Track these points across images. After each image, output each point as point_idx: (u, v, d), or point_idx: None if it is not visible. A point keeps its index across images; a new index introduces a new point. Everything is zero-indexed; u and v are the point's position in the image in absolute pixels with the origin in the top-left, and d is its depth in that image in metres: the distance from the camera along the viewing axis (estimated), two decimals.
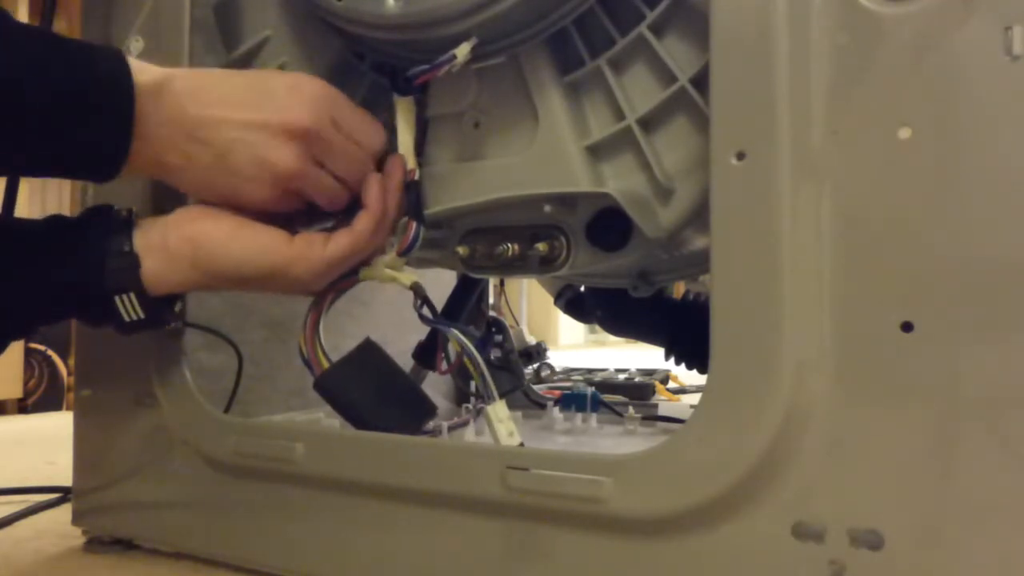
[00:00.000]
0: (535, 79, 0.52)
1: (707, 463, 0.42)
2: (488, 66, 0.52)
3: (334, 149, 0.51)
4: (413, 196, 0.54)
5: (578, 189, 0.50)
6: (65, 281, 0.50)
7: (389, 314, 0.55)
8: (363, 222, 0.52)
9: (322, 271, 0.52)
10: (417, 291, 0.54)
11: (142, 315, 0.51)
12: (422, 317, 0.55)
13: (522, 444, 0.52)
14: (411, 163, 0.54)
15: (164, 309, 0.53)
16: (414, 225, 0.54)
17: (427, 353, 0.76)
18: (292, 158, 0.49)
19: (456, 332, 0.54)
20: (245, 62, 0.62)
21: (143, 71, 0.47)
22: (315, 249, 0.51)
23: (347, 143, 0.52)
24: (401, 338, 0.59)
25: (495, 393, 0.52)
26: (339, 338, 0.57)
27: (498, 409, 0.52)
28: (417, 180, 0.54)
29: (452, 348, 0.55)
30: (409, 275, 0.54)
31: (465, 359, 0.54)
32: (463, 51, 0.49)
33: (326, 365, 0.56)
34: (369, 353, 0.56)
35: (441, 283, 0.84)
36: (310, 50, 0.59)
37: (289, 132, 0.49)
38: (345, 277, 0.55)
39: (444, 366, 0.57)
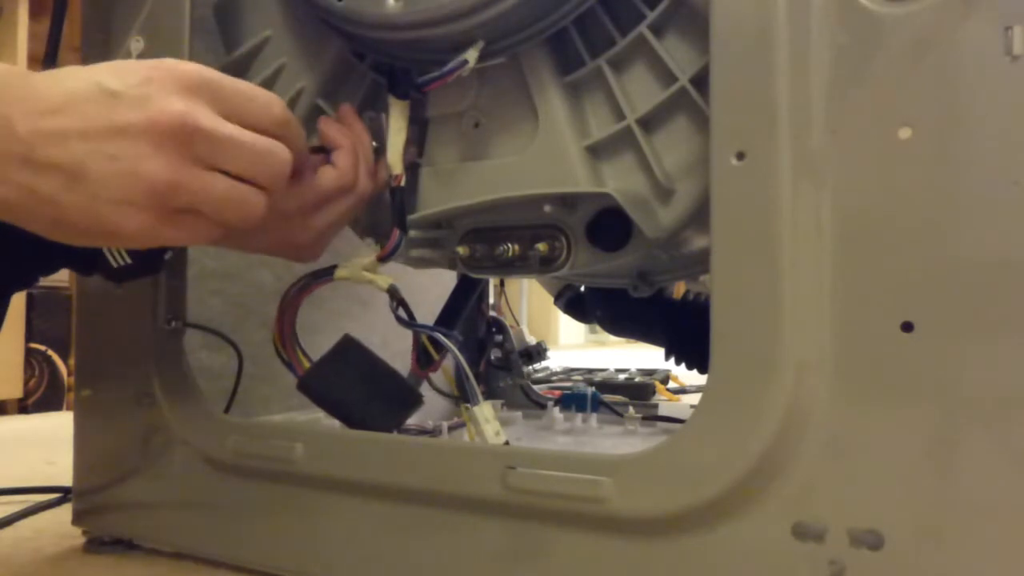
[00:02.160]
0: (535, 79, 0.52)
1: (707, 463, 0.42)
2: (488, 66, 0.52)
3: (223, 140, 0.40)
4: (398, 202, 0.54)
5: (578, 189, 0.50)
6: (38, 255, 0.50)
7: (389, 315, 0.55)
8: (341, 157, 0.50)
9: (311, 208, 0.49)
10: (393, 294, 0.54)
11: (129, 261, 0.50)
12: (399, 319, 0.55)
13: (507, 443, 0.53)
14: (397, 168, 0.53)
15: (153, 256, 0.52)
16: (397, 232, 0.53)
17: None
18: (166, 165, 0.38)
19: (439, 335, 0.55)
20: (245, 62, 0.62)
21: None
22: (304, 182, 0.48)
23: (239, 131, 0.41)
24: (401, 339, 0.59)
25: (478, 394, 0.54)
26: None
27: (484, 409, 0.53)
28: (402, 186, 0.54)
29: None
30: (386, 277, 0.55)
31: (443, 363, 0.55)
32: (473, 56, 0.49)
33: (307, 365, 0.56)
34: (349, 349, 0.56)
35: (441, 283, 0.84)
36: (310, 50, 0.59)
37: (156, 132, 0.38)
38: (320, 277, 0.55)
39: (432, 367, 0.58)
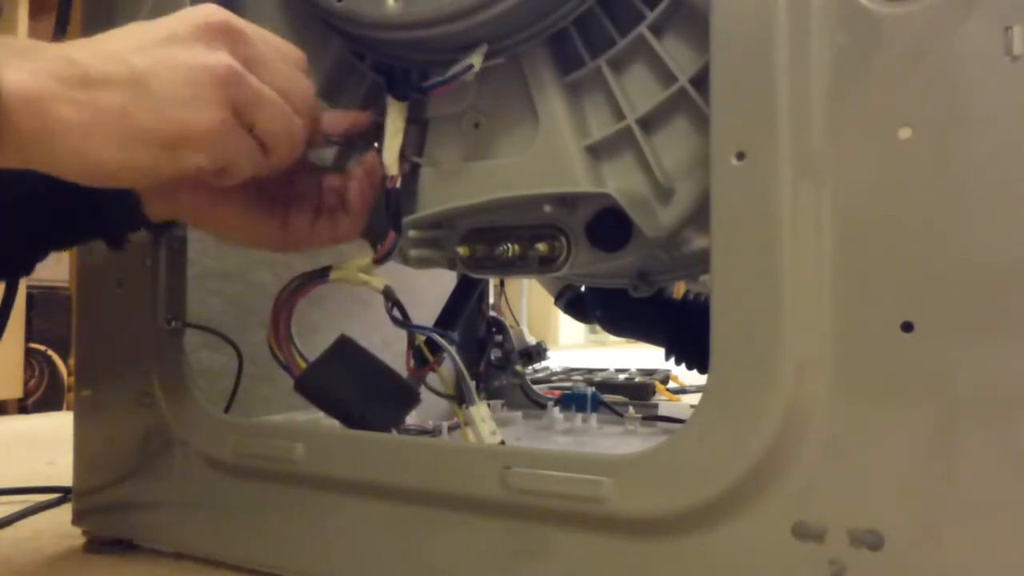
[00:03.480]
0: (535, 79, 0.52)
1: (707, 463, 0.42)
2: (488, 67, 0.52)
3: (259, 51, 0.42)
4: (393, 204, 0.53)
5: (578, 189, 0.50)
6: (75, 221, 0.52)
7: None
8: (348, 229, 0.53)
9: (300, 251, 0.54)
10: (388, 295, 0.55)
11: (147, 232, 0.57)
12: (394, 319, 0.55)
13: (502, 442, 0.54)
14: (393, 169, 0.53)
15: (167, 224, 0.58)
16: (392, 235, 0.53)
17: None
18: (223, 56, 0.40)
19: (434, 335, 0.55)
20: None
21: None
22: (301, 240, 0.52)
23: (270, 48, 0.44)
24: (402, 339, 0.59)
25: (474, 395, 0.54)
26: None
27: (480, 409, 0.54)
28: (398, 188, 0.53)
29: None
30: (381, 279, 0.55)
31: (439, 363, 0.55)
32: (478, 61, 0.49)
33: (304, 366, 0.56)
34: (346, 348, 0.56)
35: (441, 284, 0.84)
36: (310, 50, 0.59)
37: (205, 32, 0.40)
38: (314, 279, 0.55)
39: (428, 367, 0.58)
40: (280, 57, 0.44)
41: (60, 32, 0.64)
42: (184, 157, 0.40)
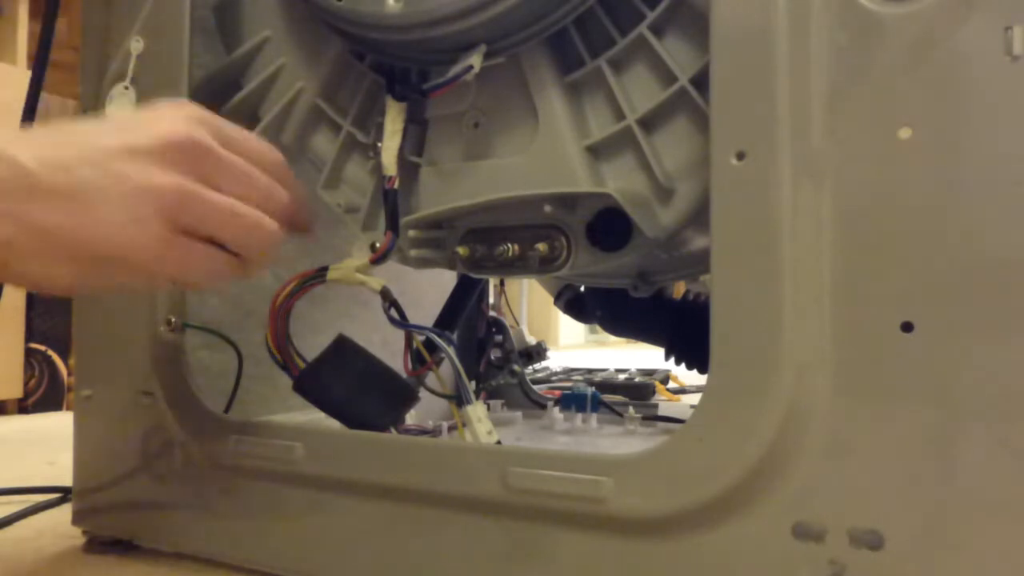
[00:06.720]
0: (535, 79, 0.52)
1: (707, 463, 0.42)
2: (488, 66, 0.52)
3: (228, 163, 0.42)
4: (391, 205, 0.54)
5: (578, 189, 0.50)
6: None
7: None
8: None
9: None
10: (385, 295, 0.55)
11: None
12: (391, 319, 0.55)
13: (499, 442, 0.54)
14: (391, 170, 0.53)
15: None
16: (390, 235, 0.54)
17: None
18: (177, 177, 0.39)
19: (431, 335, 0.55)
20: (245, 62, 0.62)
21: None
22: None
23: (240, 161, 0.43)
24: (402, 339, 0.59)
25: (471, 395, 0.54)
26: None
27: (477, 409, 0.54)
28: (395, 189, 0.54)
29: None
30: (378, 279, 0.55)
31: (434, 364, 0.56)
32: (478, 62, 0.50)
33: (302, 366, 0.56)
34: (344, 348, 0.56)
35: (441, 284, 0.84)
36: (310, 50, 0.59)
37: (165, 150, 0.39)
38: (311, 279, 0.56)
39: (414, 368, 0.58)
40: (251, 163, 0.43)
41: (28, 118, 0.63)
42: (115, 275, 0.39)
